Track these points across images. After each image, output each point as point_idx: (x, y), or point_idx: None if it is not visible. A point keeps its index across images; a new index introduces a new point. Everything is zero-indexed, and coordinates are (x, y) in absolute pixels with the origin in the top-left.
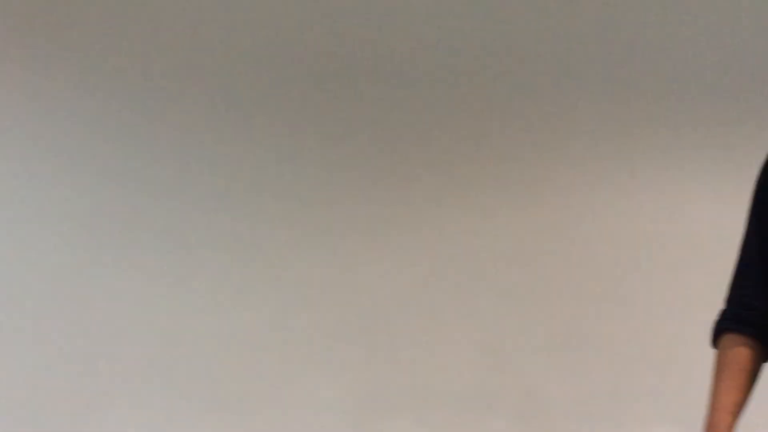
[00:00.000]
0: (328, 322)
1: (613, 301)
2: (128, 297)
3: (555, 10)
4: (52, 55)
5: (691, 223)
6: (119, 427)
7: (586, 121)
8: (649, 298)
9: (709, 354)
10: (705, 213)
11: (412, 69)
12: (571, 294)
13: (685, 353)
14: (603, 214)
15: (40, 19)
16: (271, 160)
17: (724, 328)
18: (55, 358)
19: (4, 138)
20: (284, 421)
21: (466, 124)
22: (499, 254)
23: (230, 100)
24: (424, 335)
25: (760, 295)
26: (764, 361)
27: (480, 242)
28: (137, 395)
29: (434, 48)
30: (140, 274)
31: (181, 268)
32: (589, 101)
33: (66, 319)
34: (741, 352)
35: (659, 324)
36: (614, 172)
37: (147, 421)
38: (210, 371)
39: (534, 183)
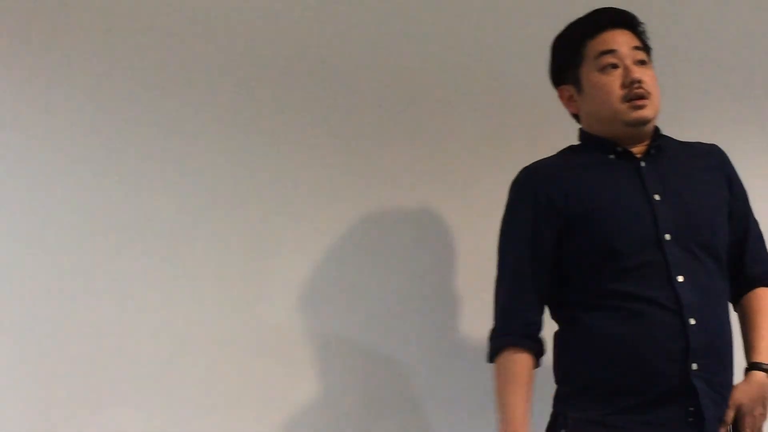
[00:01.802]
0: (328, 322)
1: None
2: (128, 296)
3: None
4: (52, 54)
5: None
6: (119, 427)
7: None
8: None
9: None
10: None
11: (414, 68)
12: None
13: None
14: None
15: (41, 18)
16: (272, 160)
17: (509, 342)
18: (55, 357)
19: (5, 138)
20: (286, 422)
21: (466, 123)
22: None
23: (231, 101)
24: (424, 334)
25: (537, 310)
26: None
27: (479, 241)
28: (137, 395)
29: (435, 47)
30: (140, 273)
31: (181, 268)
32: None
33: (66, 319)
34: (525, 365)
35: None
36: None
37: (147, 421)
38: (210, 371)
39: None
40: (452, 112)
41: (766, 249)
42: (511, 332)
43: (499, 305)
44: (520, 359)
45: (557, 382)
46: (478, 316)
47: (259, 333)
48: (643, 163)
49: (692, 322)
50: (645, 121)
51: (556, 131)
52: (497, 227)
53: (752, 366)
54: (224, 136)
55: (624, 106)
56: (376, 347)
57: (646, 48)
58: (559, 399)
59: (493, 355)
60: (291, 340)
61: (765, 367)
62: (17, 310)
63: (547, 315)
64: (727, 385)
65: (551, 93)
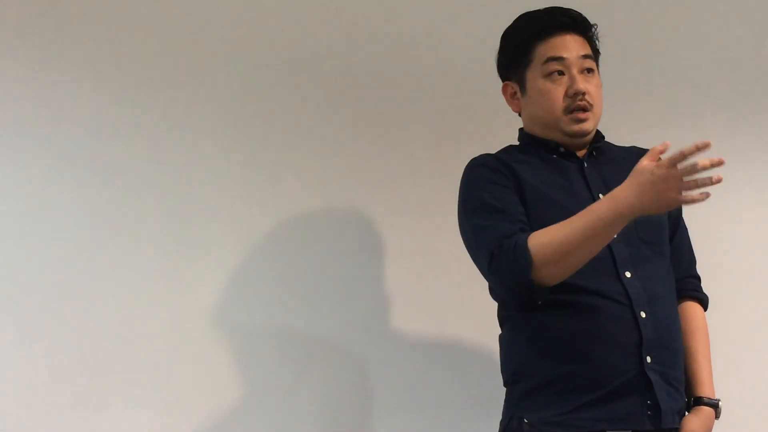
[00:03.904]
0: (329, 321)
1: None
2: (129, 297)
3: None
4: (51, 54)
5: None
6: (119, 427)
7: None
8: None
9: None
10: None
11: (416, 69)
12: None
13: None
14: None
15: (41, 18)
16: (271, 159)
17: (527, 235)
18: (55, 357)
19: (5, 137)
20: (285, 422)
21: (467, 124)
22: None
23: (230, 102)
24: (423, 334)
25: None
26: None
27: None
28: (137, 395)
29: (437, 47)
30: (140, 273)
31: (181, 269)
32: None
33: (65, 319)
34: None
35: None
36: None
37: (147, 421)
38: (211, 372)
39: None
40: (449, 112)
41: (690, 253)
42: (513, 233)
43: (488, 240)
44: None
45: (507, 384)
46: (477, 316)
47: (258, 334)
48: (585, 164)
49: (643, 315)
50: (584, 134)
51: None
52: None
53: (698, 401)
54: (225, 139)
55: (566, 117)
56: (375, 347)
57: (594, 53)
58: (511, 402)
59: (528, 260)
60: (292, 340)
61: (710, 402)
62: (16, 311)
63: (490, 316)
64: (678, 378)
65: None
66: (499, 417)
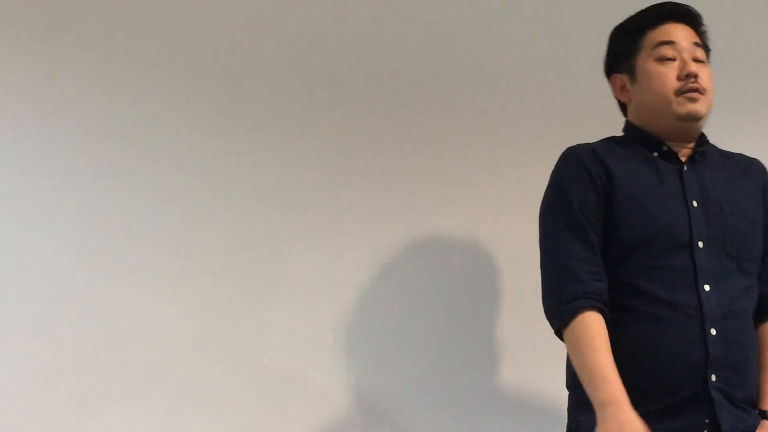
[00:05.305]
0: (328, 322)
1: None
2: (130, 297)
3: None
4: (52, 54)
5: None
6: (119, 427)
7: (590, 122)
8: None
9: None
10: None
11: (412, 68)
12: None
13: None
14: None
15: (41, 18)
16: (270, 158)
17: (585, 305)
18: (55, 357)
19: (5, 138)
20: (286, 422)
21: (466, 124)
22: (500, 254)
23: (230, 102)
24: (424, 334)
25: (602, 269)
26: None
27: (479, 242)
28: (136, 395)
29: (435, 47)
30: (141, 273)
31: (181, 268)
32: (595, 102)
33: (65, 319)
34: (604, 327)
35: None
36: None
37: (146, 421)
38: (211, 372)
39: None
40: (452, 114)
41: None
42: (583, 296)
43: (560, 267)
44: (598, 320)
45: (569, 386)
46: (476, 317)
47: (259, 334)
48: (685, 168)
49: (713, 332)
50: (697, 117)
51: (553, 132)
52: (493, 227)
53: (763, 414)
54: (225, 138)
55: (678, 98)
56: (376, 347)
57: (705, 48)
58: (571, 406)
59: (567, 320)
60: (292, 340)
61: None
62: (17, 311)
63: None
64: (748, 398)
65: (547, 95)
66: (513, 419)
